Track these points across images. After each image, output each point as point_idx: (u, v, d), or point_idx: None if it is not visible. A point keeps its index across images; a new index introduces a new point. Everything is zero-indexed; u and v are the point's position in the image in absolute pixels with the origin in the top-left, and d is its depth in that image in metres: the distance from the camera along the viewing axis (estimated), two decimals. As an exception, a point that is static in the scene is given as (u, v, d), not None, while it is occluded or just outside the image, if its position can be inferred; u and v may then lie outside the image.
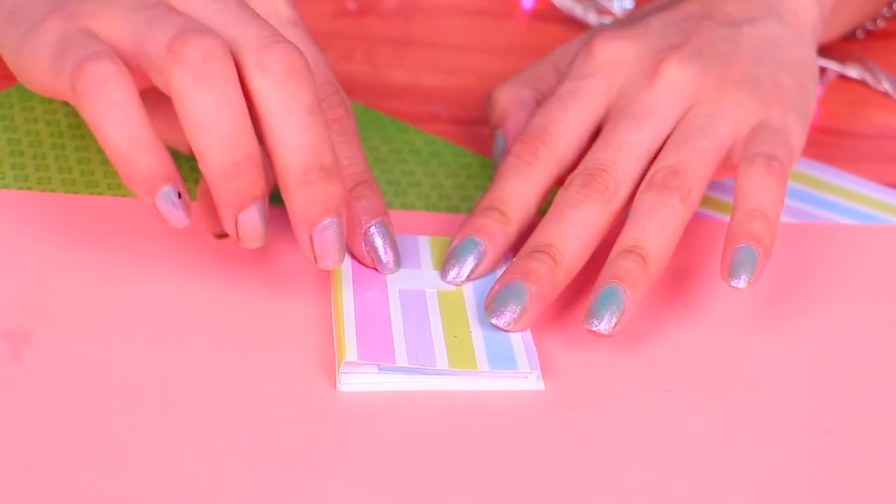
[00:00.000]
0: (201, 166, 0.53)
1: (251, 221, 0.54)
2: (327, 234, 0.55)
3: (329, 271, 0.60)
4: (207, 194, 0.58)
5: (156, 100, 0.53)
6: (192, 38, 0.51)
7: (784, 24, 0.68)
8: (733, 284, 0.59)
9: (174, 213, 0.53)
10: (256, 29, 0.53)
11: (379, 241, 0.60)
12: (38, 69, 0.54)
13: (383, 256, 0.60)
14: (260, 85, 0.53)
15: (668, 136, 0.63)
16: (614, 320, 0.57)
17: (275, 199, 0.57)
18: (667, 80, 0.64)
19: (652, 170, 0.61)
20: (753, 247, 0.59)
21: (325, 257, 0.55)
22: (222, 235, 0.59)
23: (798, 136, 0.65)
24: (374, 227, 0.59)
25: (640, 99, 0.63)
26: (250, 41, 0.53)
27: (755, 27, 0.67)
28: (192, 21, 0.52)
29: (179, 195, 0.53)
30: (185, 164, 0.64)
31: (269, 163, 0.55)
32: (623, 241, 0.59)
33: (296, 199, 0.54)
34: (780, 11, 0.68)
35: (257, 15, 0.54)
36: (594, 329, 0.57)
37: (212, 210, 0.58)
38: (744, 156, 0.62)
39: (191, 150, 0.61)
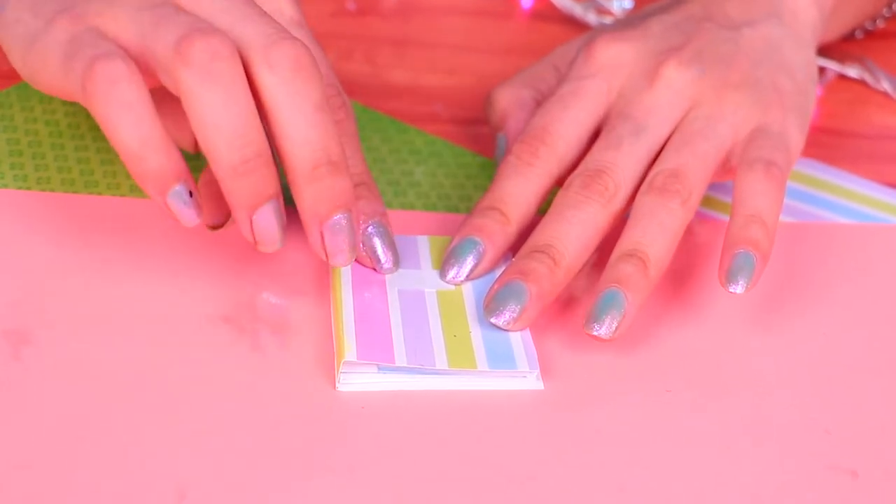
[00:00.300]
0: (212, 166, 0.53)
1: (266, 221, 0.54)
2: (338, 231, 0.55)
3: (328, 271, 0.60)
4: (208, 185, 0.58)
5: (161, 98, 0.53)
6: (198, 38, 0.51)
7: (784, 25, 0.68)
8: (731, 290, 0.59)
9: (185, 212, 0.53)
10: (263, 26, 0.53)
11: (377, 242, 0.60)
12: (47, 70, 0.54)
13: (381, 257, 0.60)
14: (267, 82, 0.53)
15: (668, 138, 0.63)
16: (615, 325, 0.57)
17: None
18: (667, 81, 0.64)
19: (652, 172, 0.61)
20: (751, 252, 0.59)
21: (336, 254, 0.56)
22: (216, 227, 0.59)
23: (797, 139, 0.65)
24: (372, 227, 0.60)
25: (640, 100, 0.64)
26: (257, 38, 0.53)
27: (755, 29, 0.67)
28: (198, 21, 0.52)
29: (191, 194, 0.53)
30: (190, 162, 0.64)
31: (279, 160, 0.55)
32: (623, 244, 0.59)
33: (305, 195, 0.54)
34: (779, 13, 0.68)
35: (264, 13, 0.54)
36: (595, 334, 0.57)
37: (212, 201, 0.58)
38: (743, 160, 0.62)
39: (197, 149, 0.61)
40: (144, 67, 0.53)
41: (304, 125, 0.53)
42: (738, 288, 0.59)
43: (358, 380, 0.56)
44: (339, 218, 0.55)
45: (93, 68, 0.51)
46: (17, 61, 0.56)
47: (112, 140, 0.51)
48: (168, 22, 0.52)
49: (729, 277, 0.59)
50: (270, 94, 0.53)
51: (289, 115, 0.53)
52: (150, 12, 0.53)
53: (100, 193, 0.64)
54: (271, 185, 0.54)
